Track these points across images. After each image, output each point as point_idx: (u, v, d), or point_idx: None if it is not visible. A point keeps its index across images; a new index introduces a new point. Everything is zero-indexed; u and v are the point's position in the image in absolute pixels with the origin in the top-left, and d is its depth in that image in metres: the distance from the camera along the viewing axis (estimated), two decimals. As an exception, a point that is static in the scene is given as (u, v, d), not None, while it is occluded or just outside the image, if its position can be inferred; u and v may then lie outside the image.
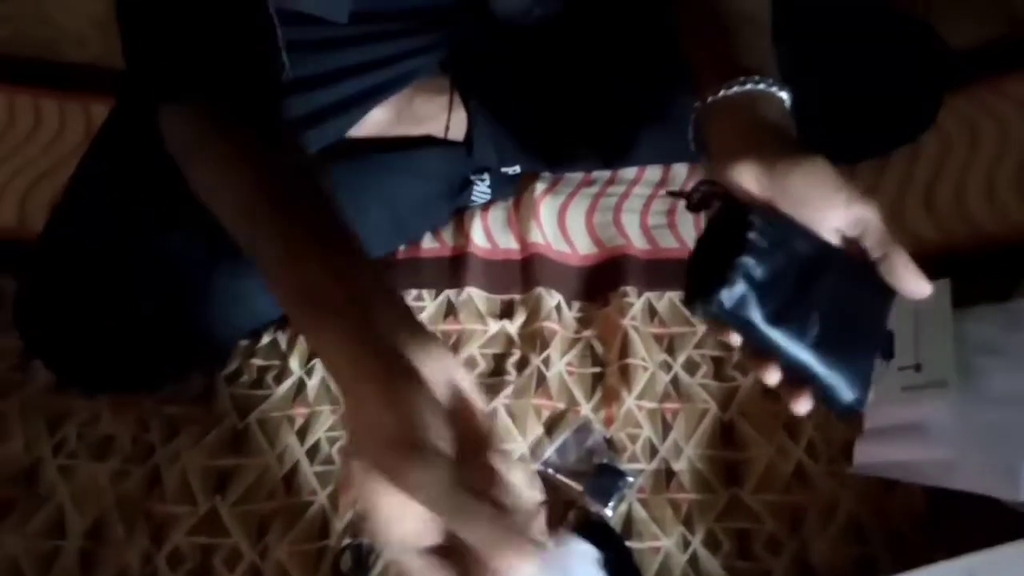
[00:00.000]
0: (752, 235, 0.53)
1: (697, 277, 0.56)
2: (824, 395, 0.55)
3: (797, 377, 0.53)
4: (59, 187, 0.79)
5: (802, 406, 0.51)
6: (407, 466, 0.36)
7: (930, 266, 0.74)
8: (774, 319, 0.53)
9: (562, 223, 0.86)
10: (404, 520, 0.38)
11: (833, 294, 0.55)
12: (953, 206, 0.82)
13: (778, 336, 0.53)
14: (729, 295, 0.52)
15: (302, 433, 0.73)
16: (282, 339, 0.80)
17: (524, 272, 0.83)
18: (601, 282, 0.82)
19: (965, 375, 0.66)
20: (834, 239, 0.51)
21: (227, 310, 0.74)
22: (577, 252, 0.85)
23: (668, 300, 0.80)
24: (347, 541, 0.66)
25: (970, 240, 0.80)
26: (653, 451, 0.70)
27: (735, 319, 0.53)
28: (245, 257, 0.51)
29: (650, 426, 0.72)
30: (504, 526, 0.36)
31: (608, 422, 0.72)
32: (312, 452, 0.72)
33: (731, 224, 0.54)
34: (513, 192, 0.89)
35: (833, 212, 0.49)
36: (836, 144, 0.58)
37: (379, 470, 0.37)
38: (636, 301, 0.78)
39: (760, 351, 0.53)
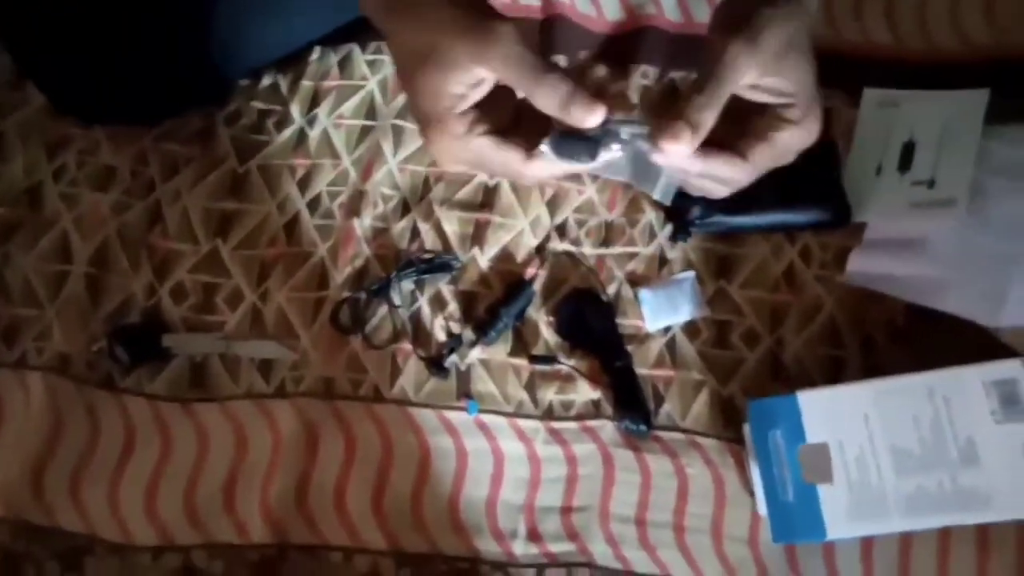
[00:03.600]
0: None
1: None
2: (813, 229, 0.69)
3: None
4: None
5: None
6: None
7: (980, 73, 0.71)
8: (734, 210, 0.68)
9: (591, -19, 0.79)
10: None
11: None
12: (1015, 9, 0.75)
13: (746, 219, 0.68)
14: (694, 218, 0.68)
15: (303, 184, 0.73)
16: (283, 82, 0.77)
17: (542, 35, 0.77)
18: (622, 54, 0.77)
19: (976, 196, 0.65)
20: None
21: (227, 40, 0.70)
22: (603, 16, 0.78)
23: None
24: (346, 294, 0.69)
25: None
26: (652, 235, 0.71)
27: (712, 228, 0.69)
28: None
29: (652, 212, 0.71)
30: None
31: (611, 206, 0.72)
32: (313, 205, 0.72)
33: None
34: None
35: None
36: None
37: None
38: (653, 84, 0.75)
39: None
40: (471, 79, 0.44)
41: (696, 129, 0.43)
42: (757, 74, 0.44)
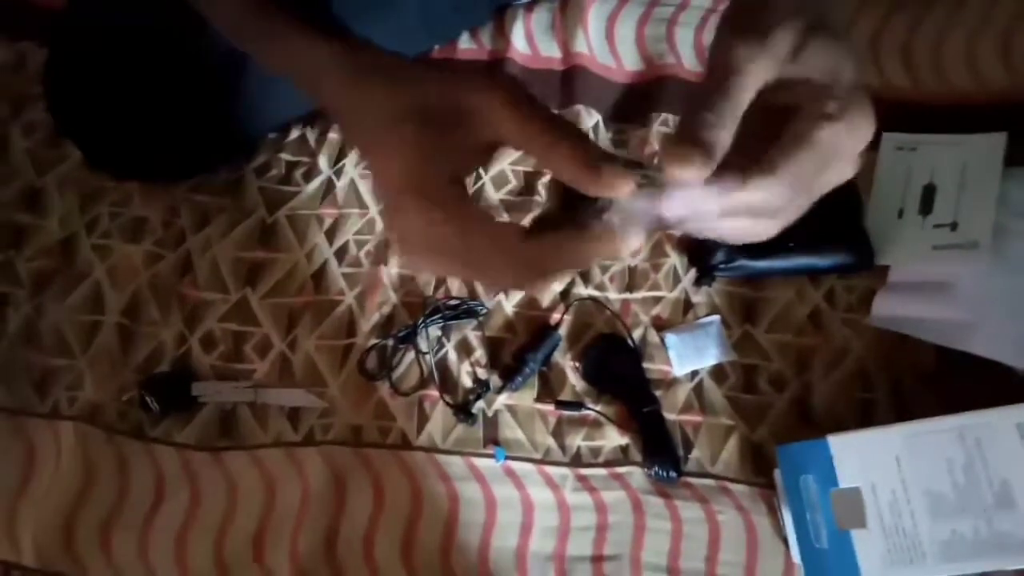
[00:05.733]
0: None
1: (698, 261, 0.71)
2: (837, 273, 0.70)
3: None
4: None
5: None
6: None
7: (995, 115, 0.71)
8: (758, 254, 0.68)
9: (610, 32, 0.81)
10: None
11: None
12: (1031, 54, 0.77)
13: (770, 263, 0.69)
14: (718, 262, 0.68)
15: (330, 234, 0.74)
16: (311, 135, 0.78)
17: (564, 85, 0.79)
18: (643, 103, 0.78)
19: (999, 238, 0.65)
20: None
21: (257, 102, 0.72)
22: (623, 67, 0.80)
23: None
24: (373, 341, 0.70)
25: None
26: (676, 280, 0.71)
27: (737, 273, 0.70)
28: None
29: (676, 256, 0.72)
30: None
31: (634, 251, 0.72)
32: (340, 253, 0.73)
33: None
34: (561, -9, 0.83)
35: None
36: None
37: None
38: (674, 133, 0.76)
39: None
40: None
41: (708, 150, 0.33)
42: (772, 74, 0.35)
